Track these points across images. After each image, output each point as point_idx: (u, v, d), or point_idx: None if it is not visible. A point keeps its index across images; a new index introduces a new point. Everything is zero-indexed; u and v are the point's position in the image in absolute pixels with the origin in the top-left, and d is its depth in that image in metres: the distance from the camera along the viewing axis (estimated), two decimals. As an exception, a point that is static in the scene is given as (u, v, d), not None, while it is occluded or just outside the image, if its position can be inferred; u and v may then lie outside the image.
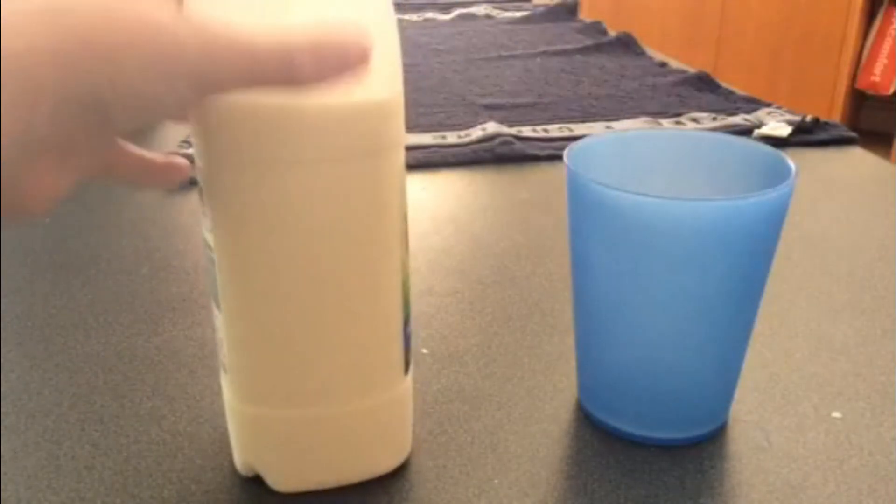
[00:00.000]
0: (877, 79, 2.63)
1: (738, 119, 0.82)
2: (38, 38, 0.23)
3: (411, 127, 0.34)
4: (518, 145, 0.76)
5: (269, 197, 0.30)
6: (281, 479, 0.35)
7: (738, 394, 0.40)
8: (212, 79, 0.26)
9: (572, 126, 0.82)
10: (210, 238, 0.32)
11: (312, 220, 0.31)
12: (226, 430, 0.36)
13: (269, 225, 0.31)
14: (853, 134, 0.79)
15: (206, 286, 0.34)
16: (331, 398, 0.34)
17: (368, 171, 0.31)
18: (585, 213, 0.36)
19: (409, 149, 0.34)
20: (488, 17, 1.38)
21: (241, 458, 0.35)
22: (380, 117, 0.31)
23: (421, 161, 0.73)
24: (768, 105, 0.87)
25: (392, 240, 0.33)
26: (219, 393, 0.41)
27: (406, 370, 0.36)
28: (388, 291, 0.34)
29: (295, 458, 0.35)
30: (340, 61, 0.27)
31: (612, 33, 1.19)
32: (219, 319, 0.34)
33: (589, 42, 1.15)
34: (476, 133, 0.79)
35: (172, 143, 0.77)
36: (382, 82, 0.31)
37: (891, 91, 2.62)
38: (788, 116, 0.83)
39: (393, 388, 0.35)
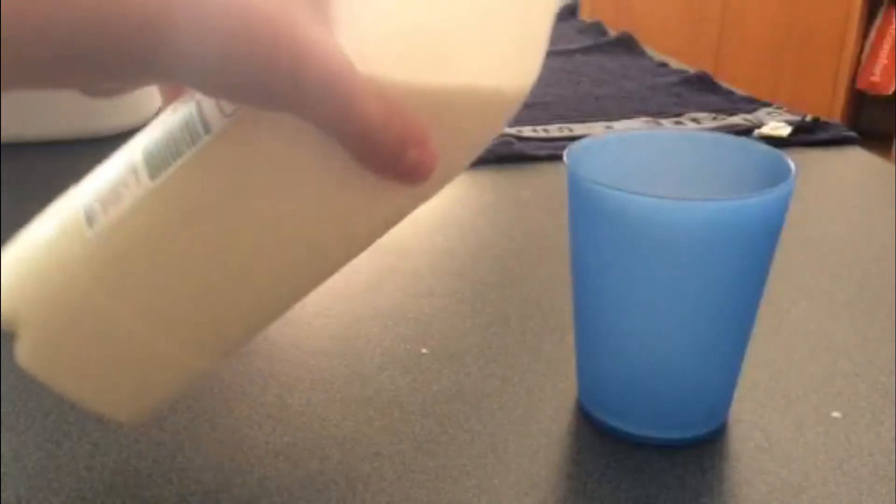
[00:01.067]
0: (877, 79, 2.63)
1: (738, 119, 0.82)
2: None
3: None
4: (518, 145, 0.76)
5: (287, 134, 0.29)
6: (38, 353, 0.31)
7: (738, 394, 0.40)
8: (308, 105, 0.27)
9: (572, 126, 0.82)
10: (223, 109, 0.29)
11: (308, 182, 0.30)
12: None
13: (275, 151, 0.29)
14: (853, 134, 0.79)
15: (160, 143, 0.30)
16: (160, 322, 0.31)
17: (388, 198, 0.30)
18: (585, 213, 0.36)
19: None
20: (488, 17, 1.38)
21: (11, 304, 0.31)
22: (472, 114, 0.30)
23: (421, 161, 0.73)
24: (768, 105, 0.87)
25: (344, 250, 0.32)
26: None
27: (219, 358, 0.33)
28: (295, 285, 0.33)
29: (67, 337, 0.31)
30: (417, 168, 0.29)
31: (612, 33, 1.19)
32: (143, 178, 0.30)
33: (589, 42, 1.15)
34: (476, 133, 0.79)
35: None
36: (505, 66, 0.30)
37: (891, 91, 2.62)
38: (788, 116, 0.83)
39: (195, 358, 0.32)
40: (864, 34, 2.64)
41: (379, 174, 0.29)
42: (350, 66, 0.27)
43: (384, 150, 0.28)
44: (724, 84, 0.95)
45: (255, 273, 0.31)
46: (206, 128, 0.29)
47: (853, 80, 2.65)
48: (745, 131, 0.79)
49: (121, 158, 0.31)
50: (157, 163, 0.30)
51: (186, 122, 0.30)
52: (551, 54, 1.22)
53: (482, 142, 0.32)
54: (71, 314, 0.31)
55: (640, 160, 0.40)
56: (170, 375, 0.33)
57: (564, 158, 0.37)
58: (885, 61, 2.60)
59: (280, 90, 0.26)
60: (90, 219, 0.30)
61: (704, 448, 0.38)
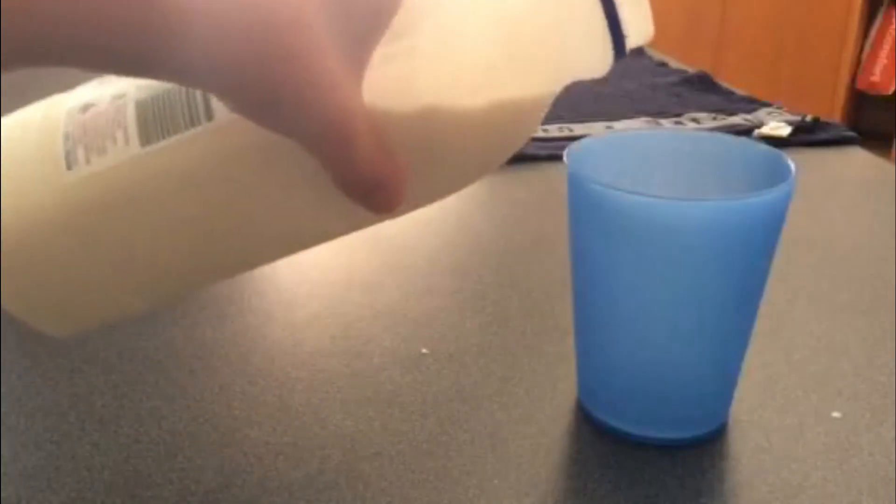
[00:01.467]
0: (877, 79, 2.63)
1: (738, 119, 0.82)
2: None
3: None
4: (518, 145, 0.76)
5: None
6: (12, 273, 0.32)
7: (738, 394, 0.40)
8: (305, 138, 0.27)
9: (572, 126, 0.82)
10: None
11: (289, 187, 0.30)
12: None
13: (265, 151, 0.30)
14: (853, 134, 0.79)
15: (157, 108, 0.30)
16: (115, 267, 0.32)
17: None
18: (585, 213, 0.36)
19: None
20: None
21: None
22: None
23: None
24: (768, 105, 0.87)
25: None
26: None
27: (157, 305, 0.35)
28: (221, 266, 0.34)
29: (20, 258, 0.32)
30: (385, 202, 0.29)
31: (612, 33, 1.19)
32: (133, 140, 0.30)
33: (589, 42, 1.15)
34: (476, 133, 0.78)
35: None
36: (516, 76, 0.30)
37: (891, 91, 2.62)
38: (788, 116, 0.83)
39: (137, 302, 0.34)
40: (864, 34, 2.64)
41: (348, 197, 0.29)
42: (355, 105, 0.27)
43: (361, 187, 0.29)
44: (724, 84, 0.95)
45: (217, 248, 0.32)
46: (209, 114, 0.29)
47: (853, 80, 2.65)
48: (745, 131, 0.79)
49: (113, 97, 0.31)
50: (149, 130, 0.30)
51: (188, 100, 0.30)
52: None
53: (504, 156, 0.33)
54: (29, 241, 0.31)
55: (640, 160, 0.40)
56: (110, 311, 0.34)
57: (564, 158, 0.37)
58: (885, 61, 2.60)
59: (280, 121, 0.27)
60: (70, 161, 0.30)
61: (704, 448, 0.38)
